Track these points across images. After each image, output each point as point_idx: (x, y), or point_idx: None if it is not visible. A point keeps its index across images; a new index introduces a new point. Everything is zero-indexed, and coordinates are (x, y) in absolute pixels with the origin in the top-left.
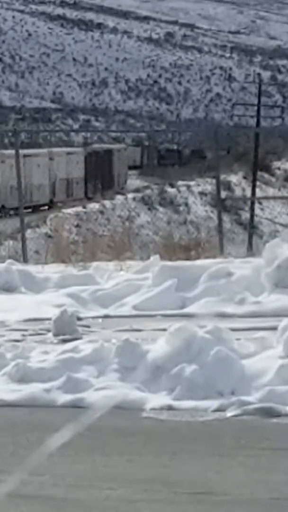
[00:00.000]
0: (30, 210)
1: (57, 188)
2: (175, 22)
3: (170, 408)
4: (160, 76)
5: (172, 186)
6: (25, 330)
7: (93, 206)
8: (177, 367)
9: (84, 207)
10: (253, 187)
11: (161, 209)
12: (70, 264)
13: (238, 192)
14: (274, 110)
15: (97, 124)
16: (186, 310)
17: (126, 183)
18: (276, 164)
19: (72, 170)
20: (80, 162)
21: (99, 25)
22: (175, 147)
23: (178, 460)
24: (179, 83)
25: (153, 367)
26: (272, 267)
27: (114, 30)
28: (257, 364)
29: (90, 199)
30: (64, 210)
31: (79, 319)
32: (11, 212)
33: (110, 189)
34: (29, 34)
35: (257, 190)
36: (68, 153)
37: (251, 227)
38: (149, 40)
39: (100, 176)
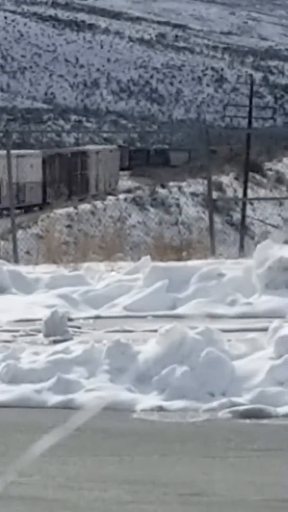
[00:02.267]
0: None
1: (3, 194)
2: (167, 23)
3: (160, 409)
4: (151, 76)
5: (163, 186)
6: (16, 331)
7: (85, 206)
8: (168, 368)
9: (75, 208)
10: (245, 188)
11: (152, 209)
12: (61, 264)
13: (229, 193)
14: (266, 111)
15: (88, 124)
16: (177, 311)
17: (115, 185)
18: (268, 165)
19: (25, 174)
20: (37, 166)
21: (91, 26)
22: (166, 147)
23: (168, 461)
24: (171, 83)
25: (143, 368)
26: (263, 268)
27: (106, 31)
28: (248, 365)
29: (49, 205)
30: (56, 211)
31: (70, 320)
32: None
33: (83, 193)
34: (21, 35)
35: (249, 191)
36: (19, 156)
37: (242, 228)
38: (141, 41)
39: (66, 180)
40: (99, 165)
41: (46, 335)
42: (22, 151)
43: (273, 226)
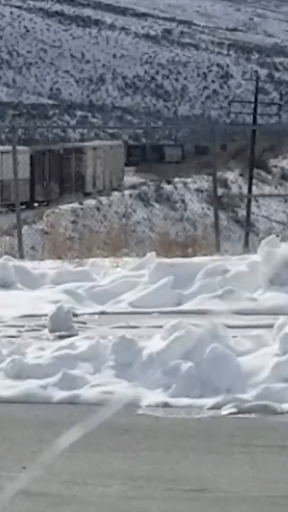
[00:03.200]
0: None
1: None
2: (172, 19)
3: (165, 405)
4: (157, 72)
5: (168, 182)
6: (21, 326)
7: (90, 202)
8: (173, 364)
9: (80, 204)
10: (250, 185)
11: (157, 205)
12: (66, 260)
13: (234, 189)
14: (271, 107)
15: (94, 120)
16: (182, 307)
17: (120, 181)
18: (273, 161)
19: (11, 171)
20: (24, 162)
21: (97, 22)
22: (161, 143)
23: (173, 457)
24: (176, 80)
25: (149, 364)
26: (269, 264)
27: (111, 27)
28: (253, 361)
29: (39, 203)
30: (61, 206)
31: (75, 315)
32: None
33: (78, 191)
34: (27, 30)
35: (254, 187)
36: (4, 152)
37: (247, 225)
38: (147, 37)
39: (57, 178)
40: (97, 162)
41: (51, 331)
42: (6, 147)
43: (278, 222)
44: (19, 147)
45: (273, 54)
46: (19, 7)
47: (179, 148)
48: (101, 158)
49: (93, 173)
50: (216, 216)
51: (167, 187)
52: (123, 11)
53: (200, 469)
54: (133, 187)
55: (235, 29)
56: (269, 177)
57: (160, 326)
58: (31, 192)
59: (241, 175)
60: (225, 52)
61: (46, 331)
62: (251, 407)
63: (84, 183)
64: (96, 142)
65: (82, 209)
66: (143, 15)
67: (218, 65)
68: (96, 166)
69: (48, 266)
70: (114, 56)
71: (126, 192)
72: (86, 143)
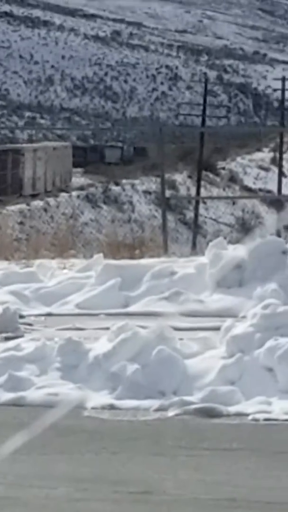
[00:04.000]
0: None
1: None
2: (122, 21)
3: (111, 407)
4: (106, 74)
5: (116, 184)
6: None
7: (37, 203)
8: (119, 366)
9: (28, 204)
10: (198, 187)
11: (105, 207)
12: (13, 261)
13: (182, 191)
14: (220, 110)
15: (42, 121)
16: (129, 309)
17: (67, 182)
18: (221, 164)
19: None
20: None
21: (46, 23)
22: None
23: (119, 459)
24: (125, 81)
25: (95, 366)
26: (216, 266)
27: (60, 28)
28: (199, 364)
29: None
30: (8, 207)
31: (21, 317)
32: None
33: (15, 193)
34: None
35: (202, 189)
36: None
37: (195, 227)
38: (96, 38)
39: None
40: (37, 163)
41: None
42: None
43: (226, 225)
44: None
45: (223, 56)
46: None
47: (119, 149)
48: (42, 159)
49: (32, 175)
50: (164, 217)
51: (115, 189)
52: (72, 12)
53: (146, 472)
54: (81, 188)
55: (184, 31)
56: (217, 179)
57: (107, 328)
58: None
59: (189, 177)
60: (174, 54)
61: None
62: (197, 410)
63: (22, 185)
64: (43, 144)
65: (29, 210)
66: (92, 16)
67: (167, 67)
68: (36, 167)
69: None
70: (63, 57)
71: (74, 194)
72: (25, 144)
